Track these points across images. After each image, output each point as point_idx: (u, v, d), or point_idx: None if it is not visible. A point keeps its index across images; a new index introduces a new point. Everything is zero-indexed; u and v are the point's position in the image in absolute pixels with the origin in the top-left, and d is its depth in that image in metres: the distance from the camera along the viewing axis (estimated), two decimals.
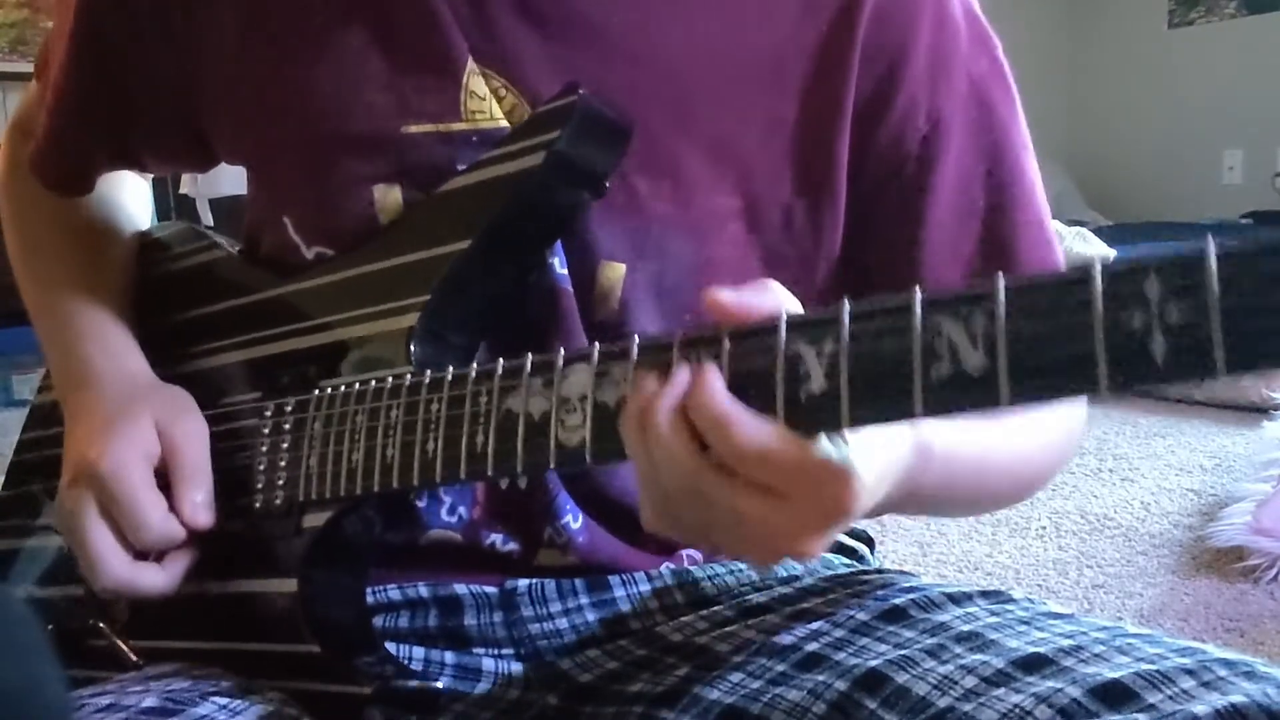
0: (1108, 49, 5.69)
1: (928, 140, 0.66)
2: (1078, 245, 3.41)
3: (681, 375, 0.46)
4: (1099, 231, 3.75)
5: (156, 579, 0.63)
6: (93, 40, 0.71)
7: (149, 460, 0.64)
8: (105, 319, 0.73)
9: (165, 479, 0.64)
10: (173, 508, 0.63)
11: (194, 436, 0.65)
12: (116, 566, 0.62)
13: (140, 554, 0.64)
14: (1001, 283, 0.39)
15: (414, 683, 0.61)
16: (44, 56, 0.78)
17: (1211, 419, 2.83)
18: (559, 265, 0.64)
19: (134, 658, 0.68)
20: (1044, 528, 2.09)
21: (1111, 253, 3.38)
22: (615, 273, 0.64)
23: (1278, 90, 4.94)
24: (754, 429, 0.44)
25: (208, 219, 3.21)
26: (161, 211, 3.33)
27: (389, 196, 0.65)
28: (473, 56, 0.63)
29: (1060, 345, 0.38)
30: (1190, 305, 0.35)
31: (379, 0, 0.64)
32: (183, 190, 3.30)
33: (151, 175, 0.88)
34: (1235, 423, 2.74)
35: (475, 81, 0.63)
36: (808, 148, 0.65)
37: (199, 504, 0.64)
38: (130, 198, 0.84)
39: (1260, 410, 2.63)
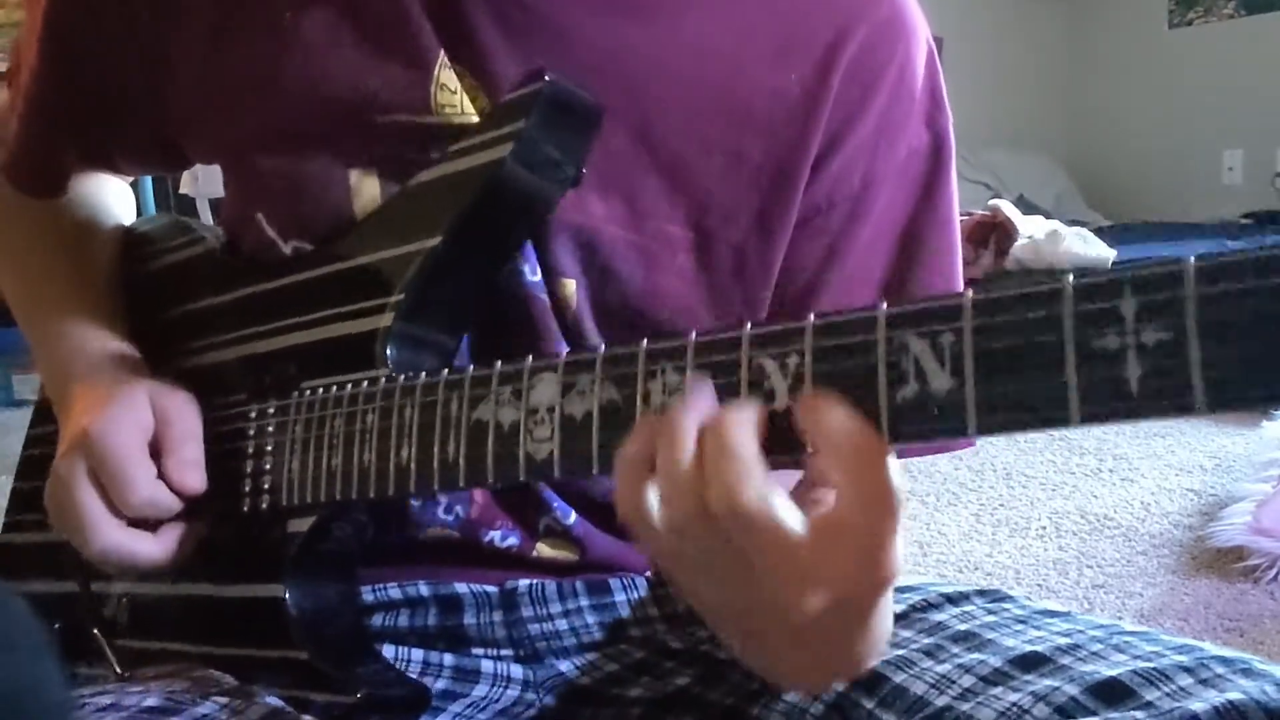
0: (1108, 49, 5.69)
1: (857, 199, 0.66)
2: (1077, 246, 3.40)
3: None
4: (1099, 232, 3.75)
5: (152, 548, 0.62)
6: (61, 47, 0.71)
7: (142, 429, 0.62)
8: (94, 318, 0.73)
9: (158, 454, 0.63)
10: (162, 476, 0.62)
11: (186, 408, 0.65)
12: (107, 531, 0.61)
13: (135, 525, 0.62)
14: (970, 296, 0.38)
15: (403, 689, 0.61)
16: (15, 62, 0.78)
17: (1211, 419, 2.83)
18: (530, 272, 0.63)
19: (118, 669, 0.68)
20: (1044, 528, 2.09)
21: (1112, 253, 3.37)
22: (567, 289, 0.64)
23: (1278, 90, 4.94)
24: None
25: (207, 218, 3.21)
26: (162, 211, 3.33)
27: (365, 182, 0.64)
28: (444, 52, 0.63)
29: (1029, 369, 0.36)
30: (1167, 325, 0.33)
31: None
32: (183, 190, 3.29)
33: (128, 178, 0.88)
34: (1235, 423, 2.74)
35: (446, 75, 0.63)
36: (768, 190, 0.65)
37: (187, 463, 0.62)
38: (113, 198, 0.84)
39: (1260, 410, 2.63)
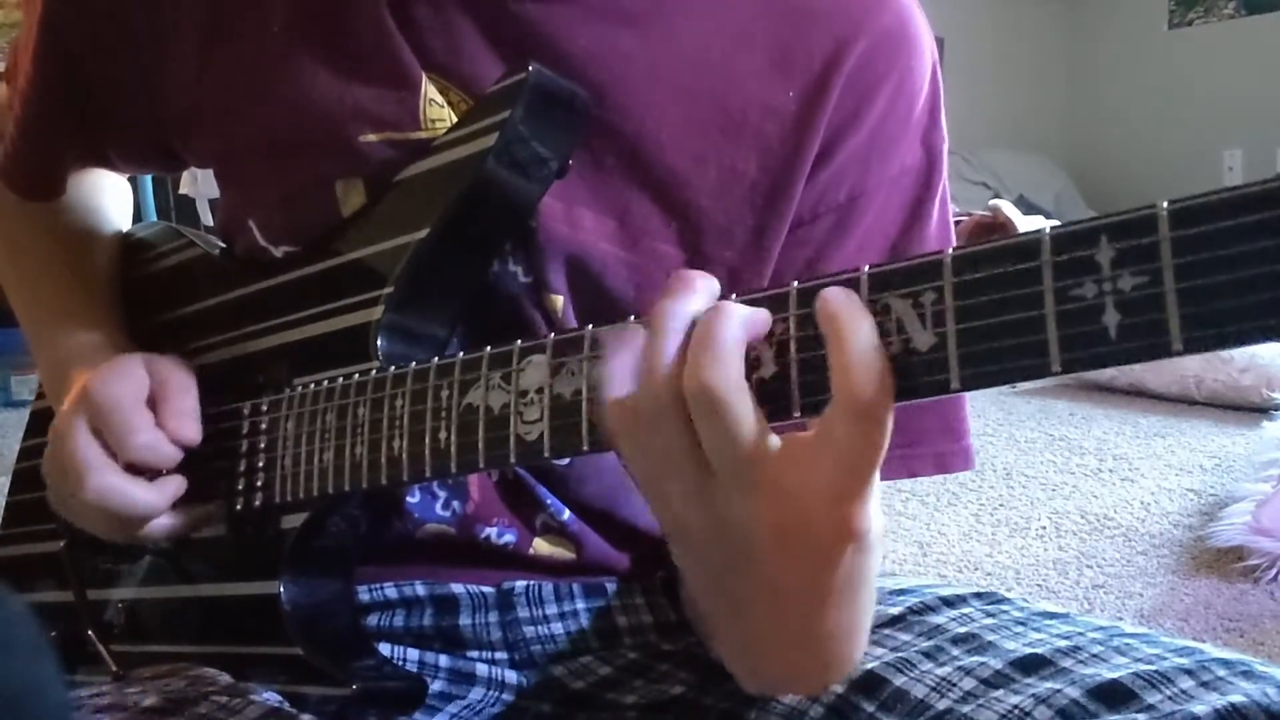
0: (1108, 49, 5.69)
1: (843, 211, 0.65)
2: None
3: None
4: None
5: (148, 494, 0.62)
6: (56, 51, 0.71)
7: (138, 385, 0.64)
8: (92, 318, 0.74)
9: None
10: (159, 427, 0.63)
11: (180, 368, 0.66)
12: (103, 472, 0.61)
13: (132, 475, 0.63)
14: (950, 254, 0.38)
15: (399, 682, 0.61)
16: (12, 64, 0.78)
17: (1211, 419, 2.83)
18: (523, 274, 0.63)
19: (115, 667, 0.68)
20: (1044, 528, 2.09)
21: None
22: (555, 304, 0.64)
23: (1277, 90, 4.94)
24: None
25: (207, 219, 3.21)
26: (161, 211, 3.33)
27: (351, 191, 0.64)
28: (433, 70, 0.63)
29: (1009, 320, 0.36)
30: (1143, 270, 0.34)
31: (333, 13, 0.63)
32: (183, 190, 3.29)
33: (126, 175, 0.88)
34: (1235, 423, 2.74)
35: (434, 91, 0.63)
36: (763, 208, 0.64)
37: (183, 412, 0.64)
38: (110, 200, 0.85)
39: (1260, 410, 2.62)
